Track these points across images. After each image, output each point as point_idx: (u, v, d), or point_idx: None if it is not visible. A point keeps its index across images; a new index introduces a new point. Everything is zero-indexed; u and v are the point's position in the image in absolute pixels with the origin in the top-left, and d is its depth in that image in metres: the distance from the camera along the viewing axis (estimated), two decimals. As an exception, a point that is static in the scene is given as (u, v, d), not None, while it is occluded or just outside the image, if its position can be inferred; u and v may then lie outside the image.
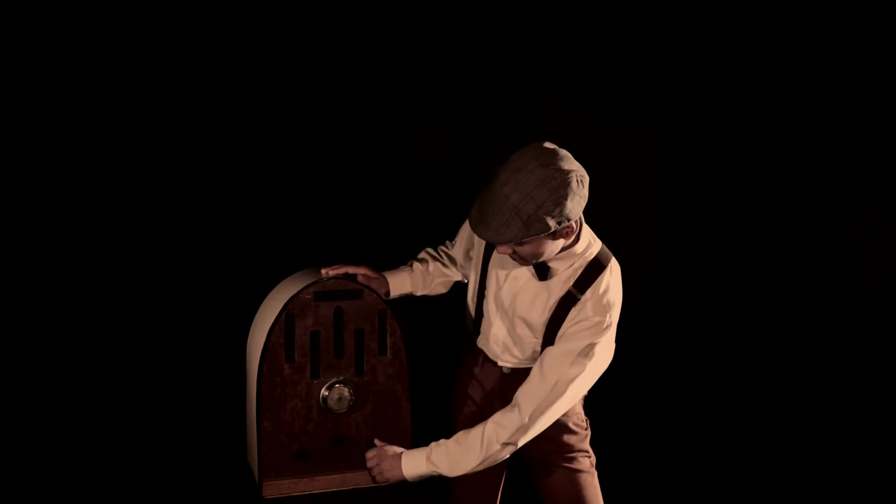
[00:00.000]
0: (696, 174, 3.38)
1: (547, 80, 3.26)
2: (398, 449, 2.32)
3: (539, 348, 2.28)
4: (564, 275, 2.20)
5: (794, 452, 3.51)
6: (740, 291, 3.49)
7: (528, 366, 2.30)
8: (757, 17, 3.40)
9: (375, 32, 3.16)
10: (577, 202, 2.04)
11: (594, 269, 2.19)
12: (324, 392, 2.62)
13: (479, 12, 3.22)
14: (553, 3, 3.26)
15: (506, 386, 2.40)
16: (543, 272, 2.20)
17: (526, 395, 2.20)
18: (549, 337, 2.23)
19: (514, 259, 2.16)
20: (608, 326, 2.17)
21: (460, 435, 2.25)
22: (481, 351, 2.45)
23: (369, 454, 2.38)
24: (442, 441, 2.29)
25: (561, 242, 2.14)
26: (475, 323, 2.46)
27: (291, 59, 3.08)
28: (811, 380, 3.56)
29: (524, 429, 2.18)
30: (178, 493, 2.83)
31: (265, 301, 2.81)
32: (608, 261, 2.22)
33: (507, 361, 2.40)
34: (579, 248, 2.20)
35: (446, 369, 2.48)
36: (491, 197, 2.06)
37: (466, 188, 3.30)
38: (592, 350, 2.15)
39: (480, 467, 2.24)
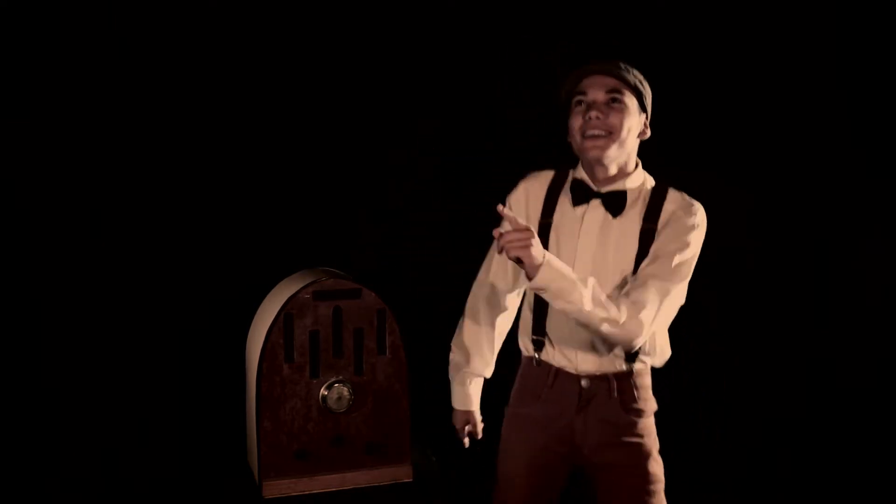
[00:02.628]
0: (696, 174, 3.37)
1: (547, 79, 3.26)
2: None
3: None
4: (635, 207, 2.09)
5: (794, 452, 3.51)
6: (740, 291, 3.48)
7: (608, 370, 2.12)
8: (757, 16, 3.40)
9: (375, 33, 3.16)
10: (650, 105, 2.14)
11: (659, 193, 2.11)
12: (323, 391, 2.63)
13: (480, 13, 3.22)
14: (553, 3, 3.27)
15: (585, 404, 2.15)
16: (618, 202, 2.07)
17: (649, 274, 2.02)
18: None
19: (597, 125, 2.01)
20: (696, 213, 2.07)
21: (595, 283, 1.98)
22: (550, 366, 2.19)
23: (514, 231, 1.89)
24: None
25: (635, 140, 2.10)
26: (537, 328, 2.20)
27: (291, 59, 3.09)
28: (811, 380, 3.56)
29: (643, 305, 1.98)
30: (178, 493, 2.83)
31: (265, 301, 2.82)
32: (667, 187, 2.14)
33: (586, 364, 2.14)
34: (639, 175, 2.14)
35: (446, 368, 2.46)
36: (591, 64, 2.09)
37: (466, 188, 3.32)
38: (690, 234, 2.05)
39: (580, 315, 1.95)
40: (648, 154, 3.15)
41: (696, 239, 2.08)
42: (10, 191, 2.85)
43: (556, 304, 1.95)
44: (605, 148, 2.05)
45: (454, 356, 2.40)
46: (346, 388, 2.63)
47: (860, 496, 3.37)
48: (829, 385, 3.56)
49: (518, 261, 1.89)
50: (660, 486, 2.17)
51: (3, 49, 2.79)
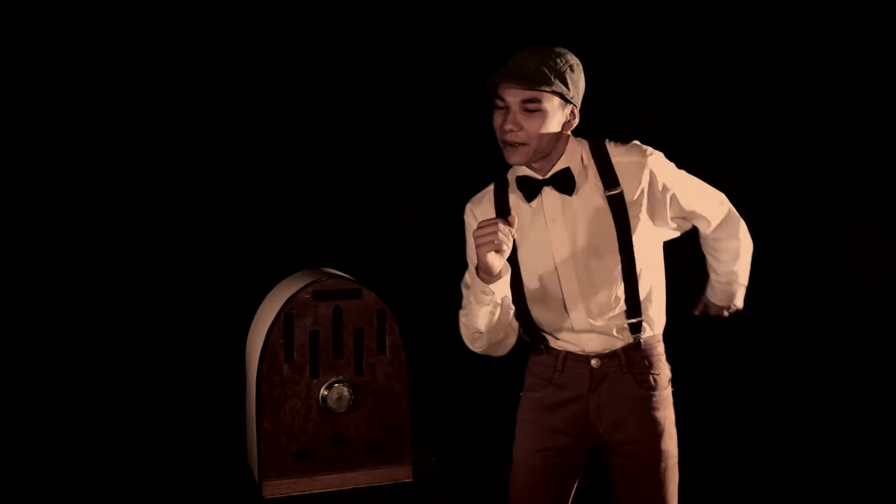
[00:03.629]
0: (696, 174, 3.37)
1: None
2: None
3: (620, 276, 2.08)
4: (586, 178, 2.10)
5: (794, 452, 3.51)
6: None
7: (616, 345, 2.12)
8: (757, 16, 3.40)
9: (375, 33, 3.16)
10: (581, 90, 2.10)
11: (600, 155, 2.12)
12: (323, 391, 2.63)
13: (478, 13, 3.22)
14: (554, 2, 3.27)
15: (597, 384, 2.14)
16: (567, 180, 2.08)
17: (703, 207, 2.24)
18: (626, 246, 2.08)
19: (512, 137, 2.01)
20: (646, 153, 2.13)
21: None
22: (556, 351, 2.19)
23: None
24: None
25: (555, 136, 2.06)
26: (528, 329, 2.21)
27: (292, 60, 3.08)
28: (811, 380, 3.56)
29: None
30: (178, 493, 2.83)
31: (265, 301, 2.82)
32: (603, 145, 2.14)
33: (592, 344, 2.14)
34: (574, 148, 2.12)
35: (446, 368, 2.46)
36: (513, 62, 2.04)
37: (466, 189, 3.31)
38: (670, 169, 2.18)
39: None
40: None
41: (670, 167, 2.17)
42: (10, 191, 2.85)
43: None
44: (523, 155, 2.07)
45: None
46: (346, 388, 2.63)
47: (860, 496, 3.37)
48: (828, 385, 3.56)
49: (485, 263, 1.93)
50: (672, 461, 2.19)
51: (3, 49, 2.79)
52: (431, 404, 2.60)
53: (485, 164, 3.27)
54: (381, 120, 3.18)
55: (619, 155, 2.12)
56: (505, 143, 2.07)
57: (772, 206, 3.48)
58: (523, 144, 2.05)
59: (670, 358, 2.27)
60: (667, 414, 2.19)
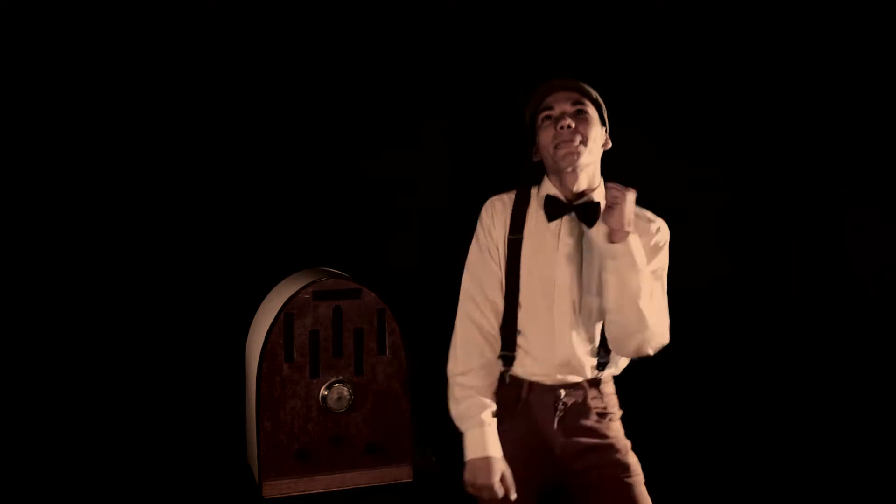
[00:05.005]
0: (696, 174, 3.38)
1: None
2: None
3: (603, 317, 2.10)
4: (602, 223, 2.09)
5: (794, 452, 3.51)
6: (740, 291, 3.48)
7: (581, 379, 2.13)
8: (757, 16, 3.40)
9: (374, 33, 3.16)
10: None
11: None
12: (323, 391, 2.63)
13: (478, 14, 3.22)
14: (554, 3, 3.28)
15: (563, 414, 2.14)
16: (592, 213, 2.10)
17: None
18: None
19: (568, 134, 2.07)
20: (659, 231, 2.15)
21: None
22: (521, 380, 2.16)
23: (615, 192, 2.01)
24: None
25: (599, 150, 2.16)
26: (507, 343, 2.16)
27: (292, 61, 3.09)
28: (811, 380, 3.56)
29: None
30: (178, 493, 2.83)
31: (264, 301, 2.82)
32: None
33: (563, 374, 2.13)
34: (603, 190, 2.15)
35: (446, 369, 2.45)
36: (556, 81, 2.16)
37: (467, 189, 3.32)
38: (660, 254, 2.15)
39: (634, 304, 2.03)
40: (648, 149, 3.15)
41: (664, 255, 2.17)
42: (9, 191, 2.85)
43: (622, 281, 2.02)
44: (579, 154, 2.09)
45: (458, 385, 2.15)
46: (346, 388, 2.63)
47: (860, 496, 3.37)
48: (829, 385, 3.56)
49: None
50: (639, 478, 2.19)
51: (2, 49, 2.79)
52: (431, 404, 2.59)
53: (485, 164, 3.29)
54: (381, 120, 3.19)
55: (640, 230, 2.14)
56: (559, 146, 2.10)
57: (772, 206, 3.48)
58: (580, 143, 2.10)
59: (672, 353, 2.28)
60: (623, 441, 2.22)
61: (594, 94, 2.16)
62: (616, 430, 2.22)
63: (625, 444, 2.21)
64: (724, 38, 3.41)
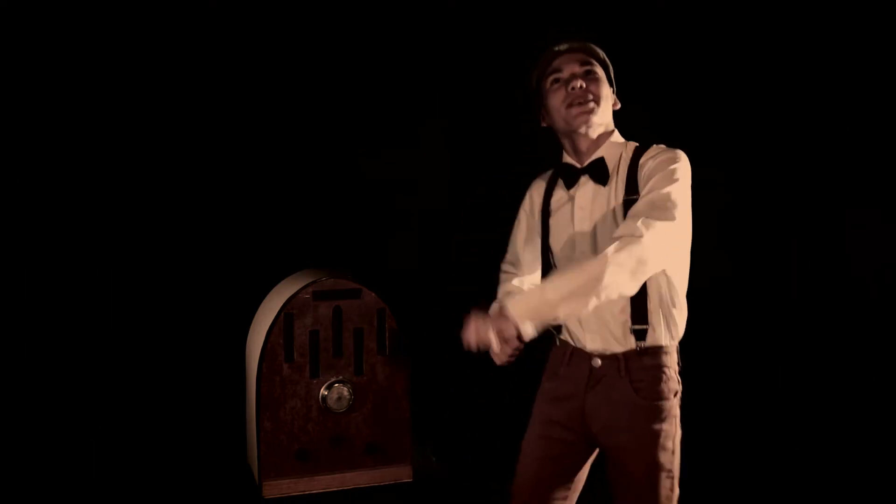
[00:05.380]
0: (695, 174, 3.37)
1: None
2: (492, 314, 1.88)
3: None
4: (619, 174, 2.10)
5: (794, 452, 3.51)
6: (740, 291, 3.48)
7: (617, 349, 2.09)
8: (757, 16, 3.40)
9: (375, 35, 3.16)
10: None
11: (638, 153, 2.12)
12: (323, 391, 2.63)
13: (479, 14, 3.22)
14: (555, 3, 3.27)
15: (595, 383, 2.11)
16: (601, 170, 2.10)
17: (634, 211, 1.99)
18: None
19: (580, 94, 2.07)
20: (674, 152, 2.10)
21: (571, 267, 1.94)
22: (567, 344, 2.17)
23: (469, 329, 1.86)
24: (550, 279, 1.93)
25: (610, 109, 2.15)
26: None
27: (292, 62, 3.09)
28: (811, 379, 3.56)
29: (639, 237, 1.91)
30: (178, 493, 2.83)
31: (264, 301, 2.82)
32: (649, 145, 2.15)
33: (594, 343, 2.10)
34: (618, 142, 2.16)
35: (446, 368, 2.46)
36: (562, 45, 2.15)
37: (467, 189, 3.32)
38: (675, 172, 2.06)
39: (599, 296, 1.88)
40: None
41: (682, 171, 2.09)
42: (9, 191, 2.85)
43: (561, 316, 1.92)
44: (591, 113, 2.09)
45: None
46: (346, 388, 2.63)
47: (860, 496, 3.37)
48: (829, 385, 3.56)
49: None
50: (664, 474, 2.08)
51: (2, 49, 2.79)
52: (431, 404, 2.60)
53: (485, 164, 3.29)
54: (381, 121, 3.19)
55: (647, 156, 2.12)
56: (572, 106, 2.10)
57: (771, 206, 3.48)
58: (590, 102, 2.10)
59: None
60: (665, 427, 2.09)
61: (601, 54, 2.17)
62: (659, 412, 2.08)
63: (664, 431, 2.08)
64: (723, 39, 3.41)
